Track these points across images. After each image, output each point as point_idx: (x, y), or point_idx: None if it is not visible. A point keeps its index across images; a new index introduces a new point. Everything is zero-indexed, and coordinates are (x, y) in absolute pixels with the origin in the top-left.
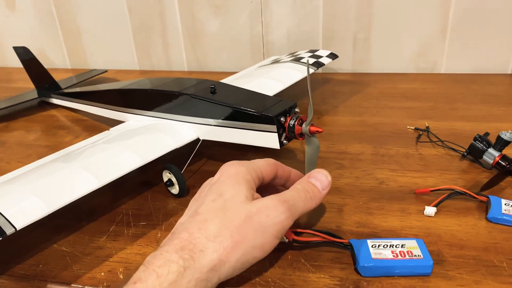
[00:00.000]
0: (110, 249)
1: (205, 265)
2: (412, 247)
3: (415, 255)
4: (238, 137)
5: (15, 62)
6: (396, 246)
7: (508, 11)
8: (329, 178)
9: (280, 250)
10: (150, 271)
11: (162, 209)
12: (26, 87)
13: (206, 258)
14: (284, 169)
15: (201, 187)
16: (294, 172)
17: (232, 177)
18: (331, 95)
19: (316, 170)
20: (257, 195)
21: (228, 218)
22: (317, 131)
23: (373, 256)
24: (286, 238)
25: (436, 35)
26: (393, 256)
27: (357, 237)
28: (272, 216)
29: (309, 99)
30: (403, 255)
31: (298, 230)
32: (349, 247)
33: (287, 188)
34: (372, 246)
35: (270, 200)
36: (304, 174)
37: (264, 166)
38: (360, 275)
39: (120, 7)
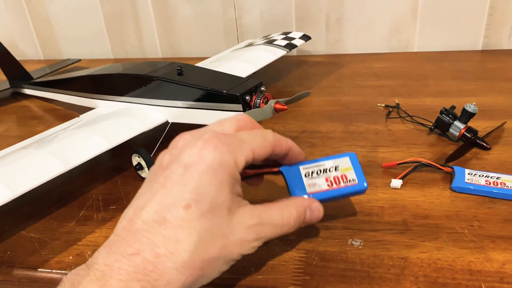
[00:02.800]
0: (79, 234)
1: None
2: (346, 169)
3: (349, 180)
4: (206, 118)
5: None
6: (329, 171)
7: None
8: (321, 215)
9: None
10: None
11: (132, 193)
12: None
13: None
14: (282, 147)
15: (168, 152)
16: (294, 147)
17: (215, 173)
18: (305, 76)
19: (318, 203)
20: (239, 198)
21: (203, 246)
22: (282, 109)
23: (308, 189)
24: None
25: (408, 13)
26: (328, 185)
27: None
28: (244, 249)
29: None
30: (337, 183)
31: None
32: (278, 173)
33: (282, 161)
34: (305, 175)
35: (247, 231)
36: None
37: (258, 148)
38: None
39: None
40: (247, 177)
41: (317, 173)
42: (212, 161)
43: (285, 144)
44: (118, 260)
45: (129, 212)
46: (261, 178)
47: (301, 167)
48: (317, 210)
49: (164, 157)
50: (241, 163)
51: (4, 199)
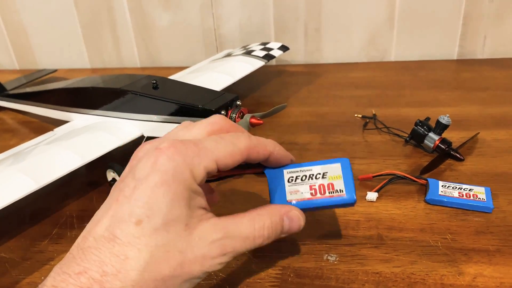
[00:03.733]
0: (51, 253)
1: None
2: (335, 177)
3: (336, 190)
4: None
5: None
6: (316, 178)
7: None
8: (302, 224)
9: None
10: None
11: None
12: None
13: None
14: (258, 153)
15: (129, 164)
16: (276, 151)
17: (168, 187)
18: (283, 86)
19: (298, 211)
20: (200, 211)
21: (155, 264)
22: (258, 123)
23: (288, 197)
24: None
25: (384, 23)
26: (311, 194)
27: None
28: (206, 266)
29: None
30: (322, 192)
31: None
32: (263, 174)
33: (265, 164)
34: (288, 180)
35: (210, 246)
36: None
37: (223, 157)
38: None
39: (66, 3)
40: (225, 177)
41: (301, 178)
42: (165, 173)
43: (263, 149)
44: (65, 280)
45: (85, 229)
46: (215, 196)
47: (285, 171)
48: (297, 218)
49: (125, 169)
50: (200, 175)
51: None
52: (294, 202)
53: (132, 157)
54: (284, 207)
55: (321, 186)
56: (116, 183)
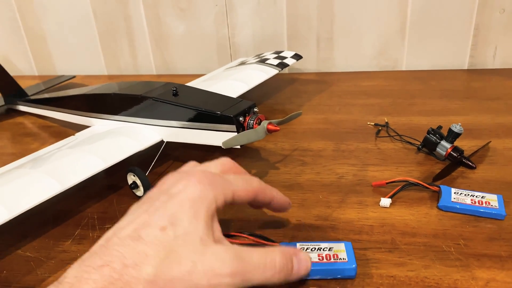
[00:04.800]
0: (75, 253)
1: None
2: (339, 251)
3: (340, 258)
4: (200, 138)
5: None
6: (323, 250)
7: (463, 9)
8: (310, 267)
9: None
10: None
11: (127, 211)
12: None
13: None
14: (265, 194)
15: (157, 187)
16: (278, 197)
17: (193, 204)
18: (296, 94)
19: (306, 254)
20: (217, 233)
21: (169, 264)
22: (275, 130)
23: None
24: None
25: (396, 33)
26: (319, 259)
27: (315, 229)
28: (214, 282)
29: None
30: (328, 259)
31: (229, 233)
32: None
33: (267, 208)
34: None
35: (220, 263)
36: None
37: (240, 191)
38: None
39: (85, 11)
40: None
41: (311, 249)
42: (193, 193)
43: (269, 193)
44: (88, 272)
45: (108, 232)
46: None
47: (298, 244)
48: (305, 260)
49: (152, 191)
50: (221, 202)
51: (1, 220)
52: None
53: (159, 183)
54: (293, 249)
55: (328, 255)
56: (141, 200)
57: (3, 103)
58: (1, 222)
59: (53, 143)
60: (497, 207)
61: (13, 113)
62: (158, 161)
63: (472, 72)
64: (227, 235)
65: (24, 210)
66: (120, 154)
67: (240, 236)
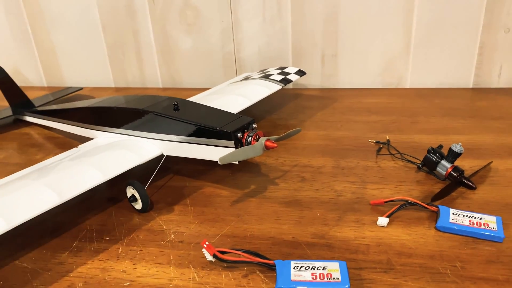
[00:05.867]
0: (71, 265)
1: None
2: (333, 270)
3: (333, 278)
4: (199, 153)
5: None
6: (317, 268)
7: (468, 28)
8: None
9: (235, 265)
10: None
11: (125, 224)
12: (1, 105)
13: None
14: None
15: None
16: None
17: None
18: (299, 110)
19: None
20: None
21: None
22: (272, 147)
23: (292, 277)
24: (211, 255)
25: (400, 51)
26: (312, 278)
27: (311, 247)
28: None
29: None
30: (321, 278)
31: (223, 249)
32: (274, 267)
33: None
34: (294, 268)
35: None
36: None
37: None
38: None
39: (94, 25)
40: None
41: (305, 268)
42: None
43: None
44: None
45: None
46: None
47: (292, 262)
48: None
49: None
50: None
51: None
52: (296, 281)
53: None
54: None
55: (321, 275)
56: None
57: (10, 113)
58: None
59: (58, 154)
60: (496, 229)
61: (20, 123)
62: (158, 174)
63: (477, 91)
64: (221, 252)
65: (22, 221)
66: (120, 167)
67: (234, 253)
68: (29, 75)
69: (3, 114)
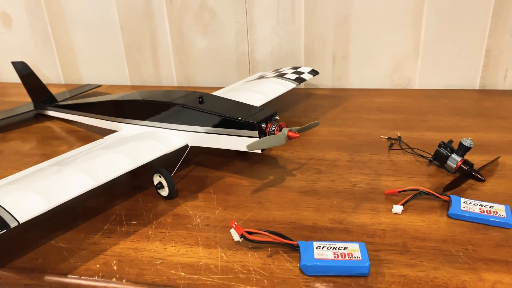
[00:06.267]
0: (104, 245)
1: None
2: (353, 250)
3: (354, 257)
4: (224, 143)
5: (10, 77)
6: (338, 248)
7: (475, 32)
8: None
9: (259, 245)
10: None
11: (152, 210)
12: (21, 101)
13: None
14: None
15: None
16: None
17: None
18: (312, 108)
19: None
20: None
21: None
22: (295, 136)
23: (316, 256)
24: (238, 235)
25: (409, 53)
26: (334, 257)
27: (330, 231)
28: None
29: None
30: (343, 256)
31: (250, 230)
32: (297, 248)
33: None
34: (316, 248)
35: None
36: None
37: None
38: (303, 273)
39: (113, 25)
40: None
41: (327, 248)
42: None
43: None
44: None
45: None
46: None
47: (315, 243)
48: None
49: None
50: None
51: (40, 210)
52: (319, 259)
53: None
54: None
55: (343, 254)
56: None
57: (32, 108)
58: (40, 212)
59: (80, 146)
60: (505, 216)
61: (41, 117)
62: (181, 165)
63: (483, 92)
64: (249, 232)
65: (60, 202)
66: (149, 155)
67: (261, 234)
68: (47, 73)
69: (25, 109)
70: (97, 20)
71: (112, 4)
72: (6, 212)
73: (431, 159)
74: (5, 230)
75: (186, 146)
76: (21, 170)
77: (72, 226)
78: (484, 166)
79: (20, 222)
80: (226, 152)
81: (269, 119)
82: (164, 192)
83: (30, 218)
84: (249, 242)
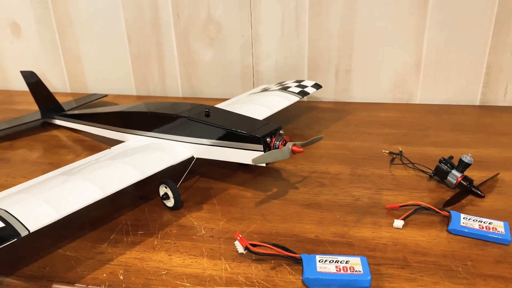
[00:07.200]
0: (110, 254)
1: None
2: (355, 264)
3: (356, 271)
4: (229, 156)
5: (17, 86)
6: (340, 262)
7: (476, 49)
8: None
9: (262, 258)
10: None
11: (158, 220)
12: (28, 109)
13: None
14: None
15: None
16: None
17: None
18: (315, 121)
19: None
20: None
21: None
22: (299, 151)
23: (318, 269)
24: (243, 247)
25: (411, 69)
26: (336, 270)
27: (332, 245)
28: None
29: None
30: (345, 270)
31: (254, 242)
32: (300, 260)
33: None
34: (319, 261)
35: None
36: None
37: None
38: (306, 286)
39: (120, 36)
40: (266, 254)
41: (329, 261)
42: None
43: None
44: None
45: None
46: None
47: (317, 256)
48: None
49: None
50: None
51: (50, 219)
52: (321, 273)
53: None
54: None
55: (345, 267)
56: None
57: (39, 117)
58: (50, 222)
59: (87, 155)
60: (504, 233)
61: (48, 126)
62: (185, 176)
63: (484, 108)
64: (252, 245)
65: (70, 212)
66: (156, 166)
67: (264, 246)
68: (54, 81)
69: (32, 117)
70: (105, 31)
71: (120, 16)
72: (17, 221)
73: (432, 174)
74: (16, 239)
75: (192, 157)
76: (29, 178)
77: (79, 235)
78: (484, 182)
79: (31, 231)
80: (230, 164)
81: (273, 133)
82: (170, 203)
83: (40, 227)
84: (253, 254)
